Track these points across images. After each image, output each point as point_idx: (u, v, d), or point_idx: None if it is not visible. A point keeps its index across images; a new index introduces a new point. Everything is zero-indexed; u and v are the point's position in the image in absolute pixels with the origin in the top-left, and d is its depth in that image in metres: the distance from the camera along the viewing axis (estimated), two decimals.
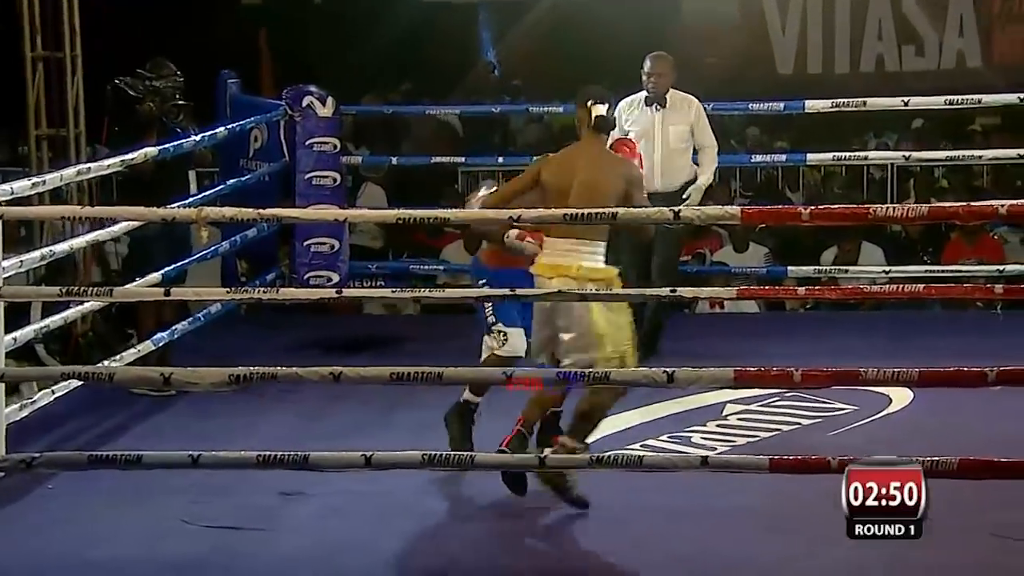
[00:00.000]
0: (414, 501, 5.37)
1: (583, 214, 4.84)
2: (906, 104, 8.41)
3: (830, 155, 8.75)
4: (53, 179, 6.20)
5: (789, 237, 9.76)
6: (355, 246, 9.14)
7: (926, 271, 8.63)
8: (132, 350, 6.67)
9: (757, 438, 6.10)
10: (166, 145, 6.75)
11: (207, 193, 7.59)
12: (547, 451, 5.20)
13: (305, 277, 7.96)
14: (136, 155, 6.47)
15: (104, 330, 7.71)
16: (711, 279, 8.82)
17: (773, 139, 12.34)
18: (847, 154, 8.94)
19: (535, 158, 5.59)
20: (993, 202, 4.64)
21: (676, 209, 4.99)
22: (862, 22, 13.55)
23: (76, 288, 6.09)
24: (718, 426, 6.28)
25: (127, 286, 6.45)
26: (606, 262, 5.23)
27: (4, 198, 5.46)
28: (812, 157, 8.87)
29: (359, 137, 11.59)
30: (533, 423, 5.36)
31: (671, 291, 5.15)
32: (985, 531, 4.98)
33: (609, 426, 6.06)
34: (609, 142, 5.59)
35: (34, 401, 6.07)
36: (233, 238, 7.77)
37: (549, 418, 5.65)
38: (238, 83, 8.49)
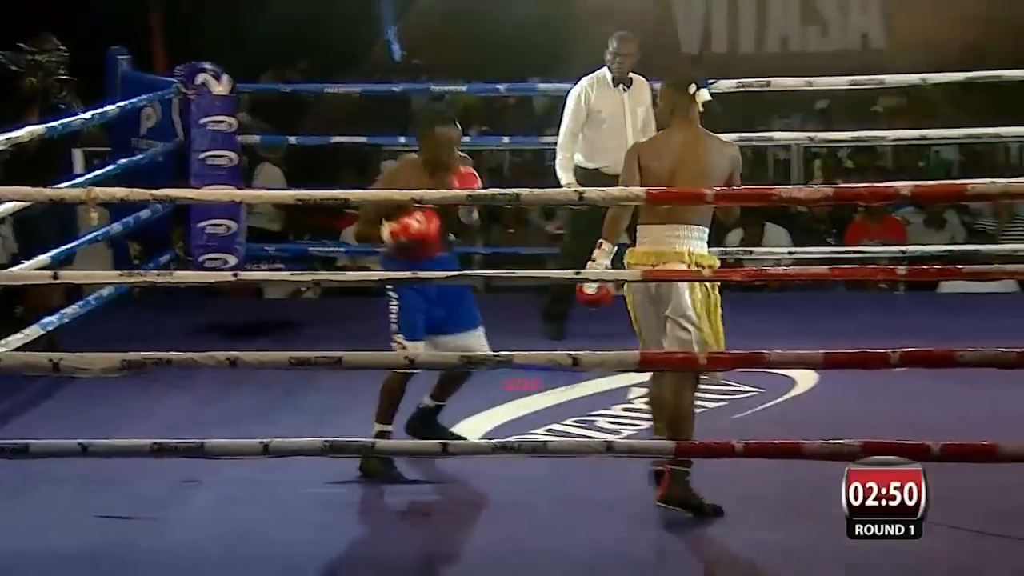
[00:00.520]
0: (315, 488, 5.25)
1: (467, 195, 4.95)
2: (810, 85, 8.44)
3: (735, 135, 8.71)
4: None
5: None
6: (253, 228, 9.03)
7: (831, 252, 8.67)
8: (18, 335, 6.44)
9: None
10: (54, 123, 6.54)
11: (96, 173, 7.42)
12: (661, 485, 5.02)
13: (200, 260, 7.87)
14: (21, 133, 6.26)
15: None
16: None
17: None
18: (752, 135, 8.93)
19: None
20: (897, 183, 4.59)
21: (580, 190, 5.02)
22: (767, 2, 13.55)
23: None
24: (624, 410, 6.24)
25: (12, 268, 6.26)
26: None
27: None
28: None
29: (256, 116, 11.40)
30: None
31: (575, 273, 5.10)
32: None
33: (513, 411, 6.01)
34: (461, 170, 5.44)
35: None
36: (125, 219, 7.60)
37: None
38: (129, 60, 8.31)
